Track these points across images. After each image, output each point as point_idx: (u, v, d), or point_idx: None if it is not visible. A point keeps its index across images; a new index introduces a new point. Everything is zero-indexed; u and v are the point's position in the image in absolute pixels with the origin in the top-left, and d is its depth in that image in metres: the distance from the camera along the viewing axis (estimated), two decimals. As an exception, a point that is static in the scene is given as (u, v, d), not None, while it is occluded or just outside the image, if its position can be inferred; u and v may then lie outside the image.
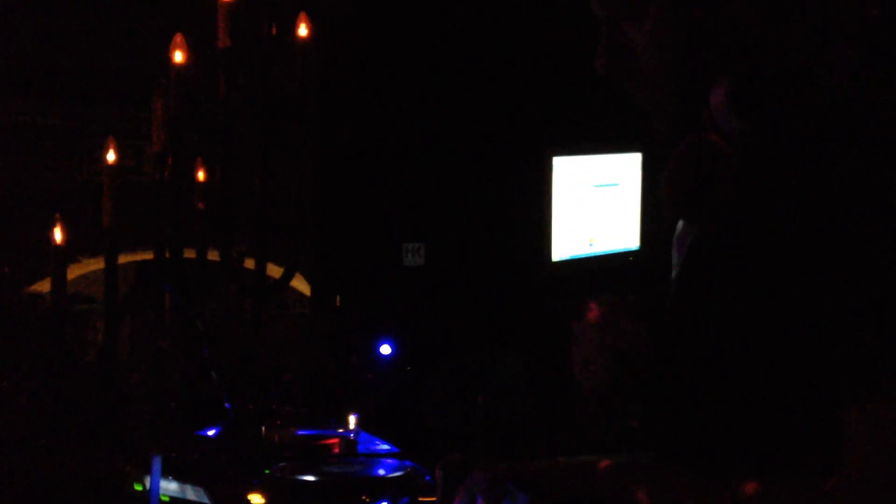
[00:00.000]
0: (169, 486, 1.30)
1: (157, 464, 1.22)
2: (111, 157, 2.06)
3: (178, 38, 2.03)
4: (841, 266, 0.92)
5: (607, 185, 3.17)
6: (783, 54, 1.01)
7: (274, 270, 2.41)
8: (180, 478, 1.32)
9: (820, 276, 0.93)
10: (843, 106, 1.00)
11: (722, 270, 1.00)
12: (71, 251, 1.98)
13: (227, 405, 1.53)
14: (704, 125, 1.02)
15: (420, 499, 1.26)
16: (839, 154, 0.95)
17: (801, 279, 0.94)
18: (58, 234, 1.93)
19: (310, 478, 1.33)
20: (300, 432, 1.67)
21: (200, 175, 2.22)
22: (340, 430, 1.66)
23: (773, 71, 1.01)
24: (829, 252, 0.93)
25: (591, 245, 3.14)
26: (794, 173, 0.97)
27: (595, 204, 3.13)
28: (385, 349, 2.46)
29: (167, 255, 2.06)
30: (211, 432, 1.60)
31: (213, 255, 2.26)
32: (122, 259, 2.10)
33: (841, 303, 0.92)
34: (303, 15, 2.06)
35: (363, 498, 1.26)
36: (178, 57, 2.03)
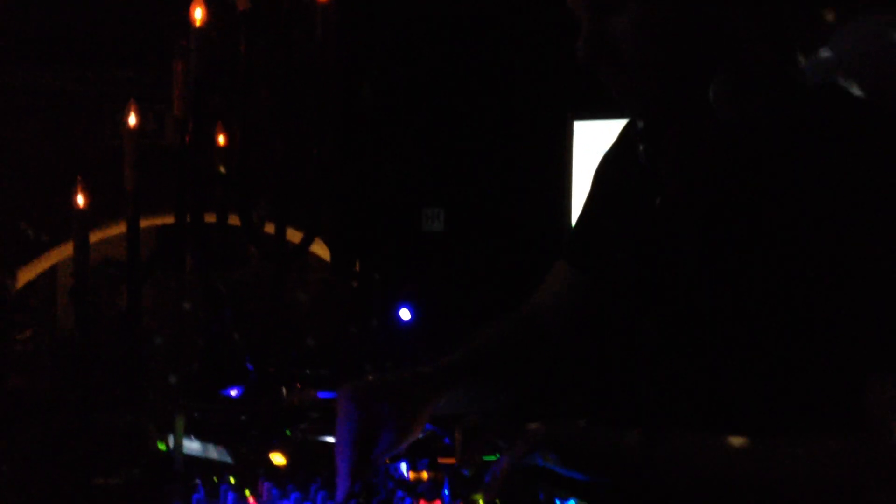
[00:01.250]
0: (192, 446, 1.31)
1: (180, 423, 1.24)
2: (132, 121, 2.07)
3: (198, 1, 2.03)
4: (856, 246, 0.93)
5: (628, 151, 3.16)
6: (773, 41, 1.02)
7: (294, 235, 2.42)
8: (203, 437, 1.34)
9: (838, 252, 0.94)
10: (839, 92, 1.01)
11: (741, 239, 1.01)
12: (93, 215, 2.00)
13: (249, 366, 1.55)
14: (699, 112, 1.03)
15: (439, 460, 1.28)
16: (840, 138, 0.96)
17: (817, 252, 0.95)
18: (80, 199, 1.95)
19: (330, 439, 1.35)
20: (321, 394, 1.68)
21: (221, 139, 2.22)
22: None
23: (767, 58, 1.02)
24: (841, 231, 0.93)
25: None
26: (794, 159, 0.98)
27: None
28: (404, 313, 2.47)
29: (188, 220, 2.08)
30: (233, 392, 1.62)
31: (233, 220, 2.28)
32: (144, 223, 2.12)
33: (863, 274, 0.93)
34: (323, -23, 2.05)
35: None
36: (199, 18, 2.03)
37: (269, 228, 2.40)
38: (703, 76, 1.02)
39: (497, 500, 1.15)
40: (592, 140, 3.11)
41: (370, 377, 1.17)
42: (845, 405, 0.93)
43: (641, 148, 1.12)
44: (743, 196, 1.01)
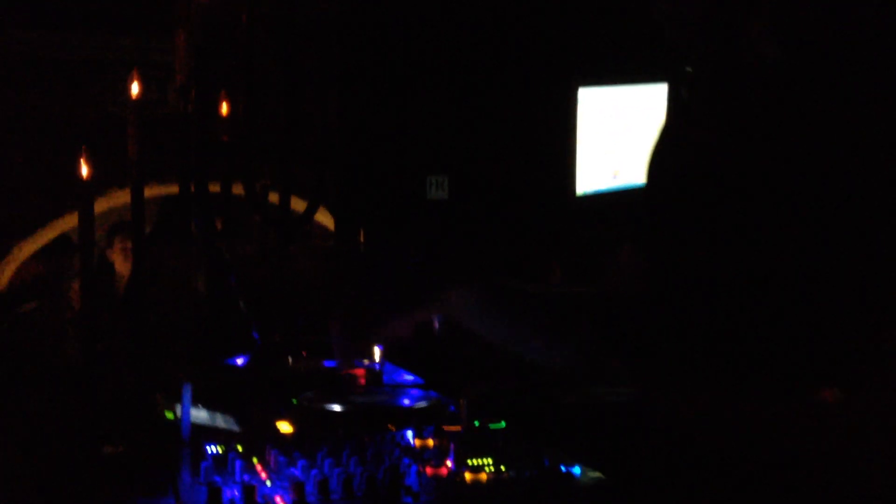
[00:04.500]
0: (199, 414, 1.32)
1: (187, 392, 1.24)
2: (135, 89, 2.05)
3: (200, -32, 2.00)
4: (880, 190, 0.92)
5: (633, 117, 3.14)
6: None
7: (298, 204, 2.42)
8: (210, 406, 1.34)
9: (860, 199, 0.93)
10: (882, 31, 0.99)
11: (765, 192, 1.00)
12: (98, 184, 1.99)
13: (254, 335, 1.55)
14: (742, 50, 1.02)
15: (445, 428, 1.28)
16: (879, 78, 0.95)
17: (841, 201, 0.94)
18: (84, 168, 1.94)
19: (336, 407, 1.36)
20: (326, 363, 1.69)
21: (224, 108, 2.21)
22: (366, 362, 1.68)
23: None
24: (868, 176, 0.93)
25: (615, 178, 3.12)
26: (834, 98, 0.96)
27: (620, 136, 3.11)
28: (409, 281, 2.47)
29: (192, 188, 2.07)
30: (239, 361, 1.63)
31: (237, 189, 2.27)
32: (149, 192, 2.11)
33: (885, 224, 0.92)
34: (325, -56, 2.03)
35: (389, 427, 1.28)
36: (201, -13, 2.01)
37: (274, 197, 2.40)
38: (746, 15, 1.01)
39: (503, 467, 1.15)
40: (597, 107, 3.09)
41: None
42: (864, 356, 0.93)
43: (685, 91, 1.11)
44: (779, 137, 0.99)
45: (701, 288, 1.07)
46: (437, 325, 1.25)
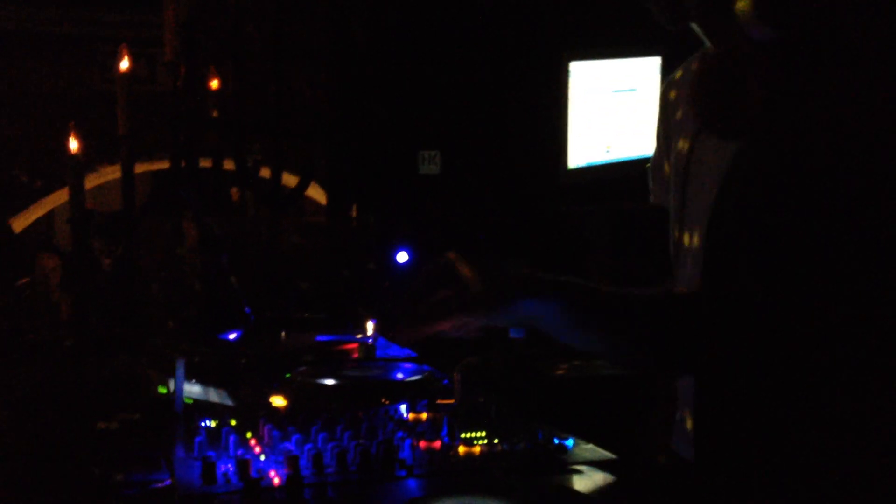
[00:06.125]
0: (192, 389, 1.32)
1: (180, 367, 1.24)
2: (124, 65, 2.04)
3: (188, -59, 1.99)
4: (882, 176, 0.91)
5: (625, 91, 3.13)
6: None
7: (290, 179, 2.41)
8: (203, 381, 1.35)
9: (863, 191, 0.92)
10: (870, 8, 0.98)
11: (773, 185, 0.99)
12: (88, 160, 1.98)
13: (246, 310, 1.55)
14: (731, 34, 1.01)
15: (438, 401, 1.29)
16: (870, 55, 0.94)
17: (848, 192, 0.93)
18: (73, 144, 1.93)
19: (330, 381, 1.36)
20: (319, 338, 1.69)
21: (214, 83, 2.20)
22: (359, 336, 1.68)
23: None
24: (873, 165, 0.92)
25: (607, 152, 3.12)
26: (826, 77, 0.95)
27: (612, 110, 3.10)
28: (401, 256, 2.47)
29: (183, 164, 2.07)
30: (232, 336, 1.63)
31: (228, 165, 2.26)
32: (139, 168, 2.11)
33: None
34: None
35: (382, 400, 1.28)
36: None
37: (265, 173, 2.39)
38: None
39: (496, 440, 1.16)
40: (588, 80, 3.09)
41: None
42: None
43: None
44: (774, 118, 0.98)
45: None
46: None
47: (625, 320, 1.07)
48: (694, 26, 1.09)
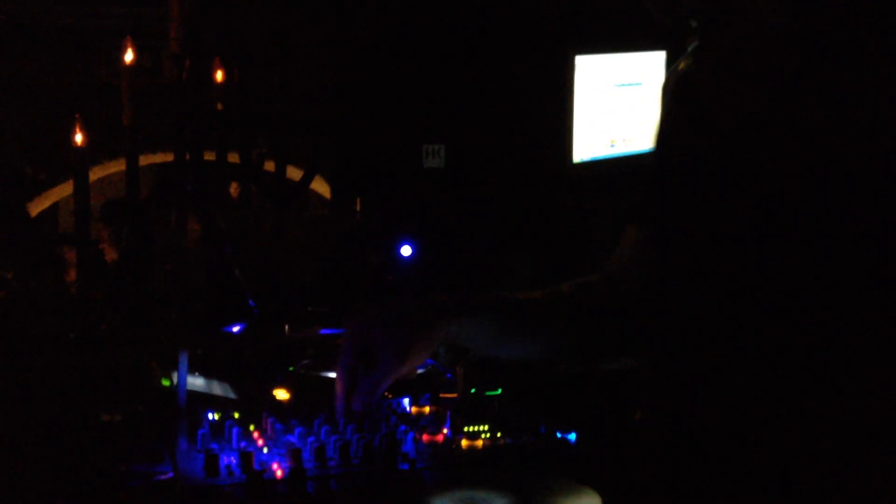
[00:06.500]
0: (196, 382, 1.32)
1: (184, 360, 1.24)
2: (129, 57, 2.04)
3: (193, -66, 1.99)
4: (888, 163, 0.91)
5: (630, 85, 3.13)
6: None
7: (294, 173, 2.41)
8: (207, 373, 1.35)
9: (869, 177, 0.92)
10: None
11: (775, 165, 0.98)
12: (93, 153, 1.99)
13: (250, 303, 1.55)
14: (747, 20, 1.01)
15: (441, 395, 1.29)
16: (886, 44, 0.93)
17: (851, 177, 0.93)
18: (78, 136, 1.93)
19: (333, 375, 1.36)
20: (323, 331, 1.69)
21: (219, 76, 2.20)
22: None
23: None
24: (878, 149, 0.91)
25: (612, 146, 3.11)
26: (843, 63, 0.95)
27: (617, 104, 3.09)
28: (405, 250, 2.47)
29: (187, 157, 2.07)
30: (235, 329, 1.63)
31: (233, 158, 2.27)
32: (144, 161, 2.11)
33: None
34: None
35: (385, 394, 1.28)
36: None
37: (270, 166, 2.39)
38: None
39: (499, 433, 1.16)
40: (593, 74, 3.08)
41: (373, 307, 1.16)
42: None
43: (691, 62, 1.09)
44: (787, 106, 0.97)
45: (704, 271, 1.05)
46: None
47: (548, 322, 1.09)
48: (692, 22, 1.08)
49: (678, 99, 1.13)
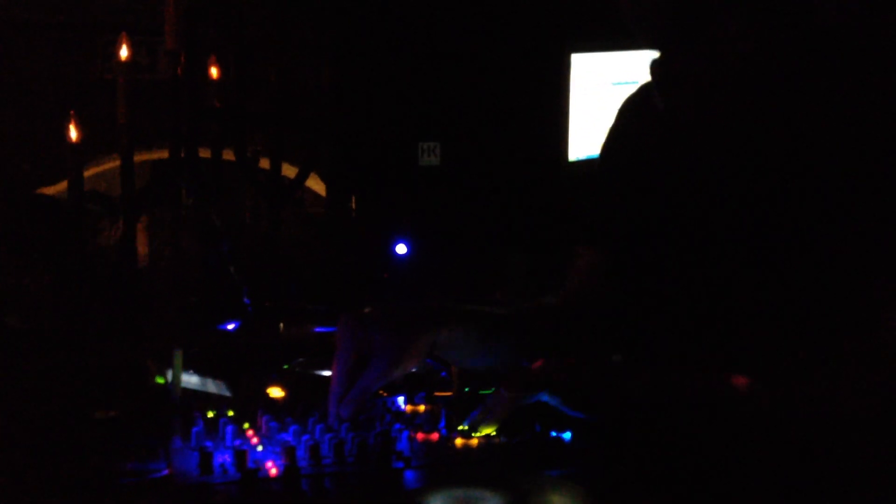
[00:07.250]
0: (190, 380, 1.32)
1: (178, 357, 1.24)
2: (124, 53, 2.04)
3: (189, -70, 1.98)
4: (854, 184, 0.92)
5: (626, 83, 3.13)
6: None
7: (289, 170, 2.41)
8: (201, 371, 1.35)
9: (831, 197, 0.93)
10: (853, 26, 1.00)
11: (757, 172, 1.00)
12: (87, 149, 1.98)
13: (245, 300, 1.55)
14: (714, 48, 1.02)
15: (436, 393, 1.29)
16: (856, 73, 0.95)
17: (811, 200, 0.94)
18: (73, 132, 1.93)
19: (327, 373, 1.36)
20: (317, 329, 1.69)
21: (214, 72, 2.20)
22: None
23: None
24: (843, 173, 0.93)
25: (608, 145, 3.11)
26: (810, 91, 0.97)
27: (613, 102, 3.10)
28: (400, 248, 2.47)
29: (182, 154, 2.06)
30: (230, 327, 1.63)
31: (228, 155, 2.26)
32: (138, 157, 2.10)
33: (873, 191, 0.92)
34: None
35: (380, 392, 1.28)
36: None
37: (265, 163, 2.39)
38: (719, 5, 1.01)
39: (493, 432, 1.16)
40: (590, 73, 3.08)
41: (368, 308, 1.17)
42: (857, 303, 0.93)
43: (657, 81, 1.10)
44: (760, 128, 0.99)
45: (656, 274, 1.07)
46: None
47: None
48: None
49: (639, 114, 1.15)
